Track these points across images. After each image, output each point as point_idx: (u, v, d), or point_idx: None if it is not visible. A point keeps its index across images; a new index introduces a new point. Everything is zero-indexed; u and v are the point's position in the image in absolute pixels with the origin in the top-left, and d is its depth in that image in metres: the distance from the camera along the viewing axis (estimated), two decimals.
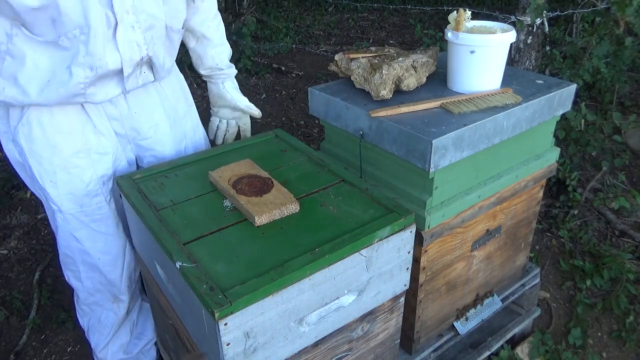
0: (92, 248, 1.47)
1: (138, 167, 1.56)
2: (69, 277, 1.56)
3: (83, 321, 1.67)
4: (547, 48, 3.23)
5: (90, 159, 1.38)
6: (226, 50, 1.67)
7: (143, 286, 1.67)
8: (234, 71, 1.70)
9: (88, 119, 1.36)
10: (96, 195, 1.41)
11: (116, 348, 1.68)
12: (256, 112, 1.73)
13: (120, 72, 1.28)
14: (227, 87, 1.69)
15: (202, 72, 1.68)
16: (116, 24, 1.20)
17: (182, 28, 1.45)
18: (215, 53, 1.63)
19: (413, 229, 1.21)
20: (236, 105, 1.71)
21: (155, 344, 1.80)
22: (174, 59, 1.50)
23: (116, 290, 1.57)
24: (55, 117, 1.32)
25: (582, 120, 2.56)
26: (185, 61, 2.42)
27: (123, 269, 1.55)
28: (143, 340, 1.76)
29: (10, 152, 1.40)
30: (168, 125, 1.54)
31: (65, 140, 1.34)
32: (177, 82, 1.59)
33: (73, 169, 1.37)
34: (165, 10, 1.32)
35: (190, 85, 1.72)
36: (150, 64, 1.35)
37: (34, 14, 1.13)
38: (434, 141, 1.19)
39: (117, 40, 1.22)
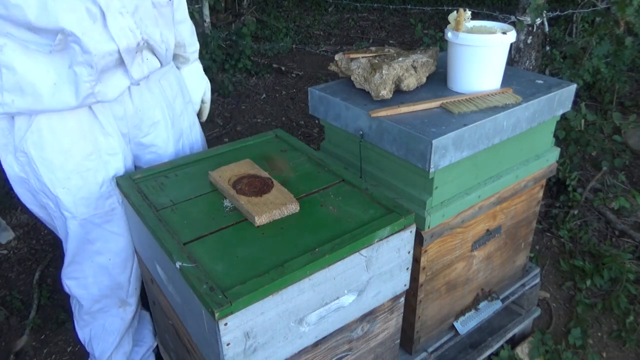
0: (104, 249, 1.47)
1: (136, 167, 1.56)
2: (72, 287, 1.53)
3: (83, 333, 1.64)
4: (547, 48, 3.23)
5: (102, 161, 1.38)
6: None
7: (140, 293, 1.67)
8: None
9: (95, 120, 1.35)
10: (109, 196, 1.41)
11: (119, 357, 1.67)
12: None
13: (121, 62, 1.26)
14: None
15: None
16: (102, 14, 1.17)
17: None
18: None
19: (413, 229, 1.21)
20: None
21: (154, 350, 1.80)
22: (174, 37, 1.47)
23: (124, 293, 1.56)
24: (67, 122, 1.30)
25: (582, 120, 2.56)
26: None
27: (132, 270, 1.55)
28: (144, 347, 1.76)
29: (10, 166, 1.36)
30: (168, 123, 1.54)
31: (77, 144, 1.33)
32: (175, 79, 1.59)
33: (86, 173, 1.36)
34: None
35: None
36: (150, 48, 1.33)
37: (13, 27, 1.11)
38: (434, 141, 1.19)
39: (109, 29, 1.19)
